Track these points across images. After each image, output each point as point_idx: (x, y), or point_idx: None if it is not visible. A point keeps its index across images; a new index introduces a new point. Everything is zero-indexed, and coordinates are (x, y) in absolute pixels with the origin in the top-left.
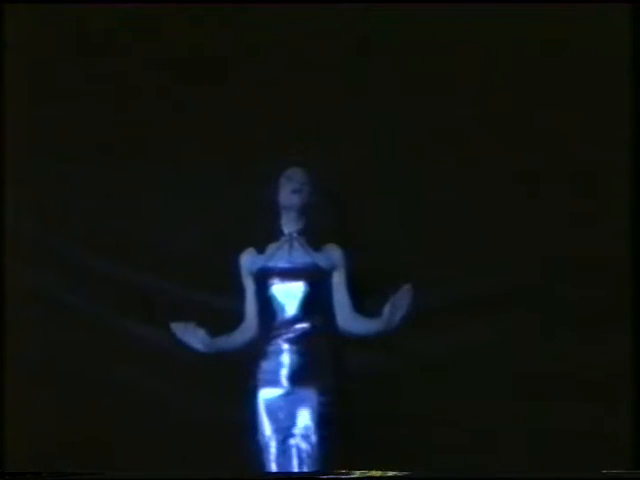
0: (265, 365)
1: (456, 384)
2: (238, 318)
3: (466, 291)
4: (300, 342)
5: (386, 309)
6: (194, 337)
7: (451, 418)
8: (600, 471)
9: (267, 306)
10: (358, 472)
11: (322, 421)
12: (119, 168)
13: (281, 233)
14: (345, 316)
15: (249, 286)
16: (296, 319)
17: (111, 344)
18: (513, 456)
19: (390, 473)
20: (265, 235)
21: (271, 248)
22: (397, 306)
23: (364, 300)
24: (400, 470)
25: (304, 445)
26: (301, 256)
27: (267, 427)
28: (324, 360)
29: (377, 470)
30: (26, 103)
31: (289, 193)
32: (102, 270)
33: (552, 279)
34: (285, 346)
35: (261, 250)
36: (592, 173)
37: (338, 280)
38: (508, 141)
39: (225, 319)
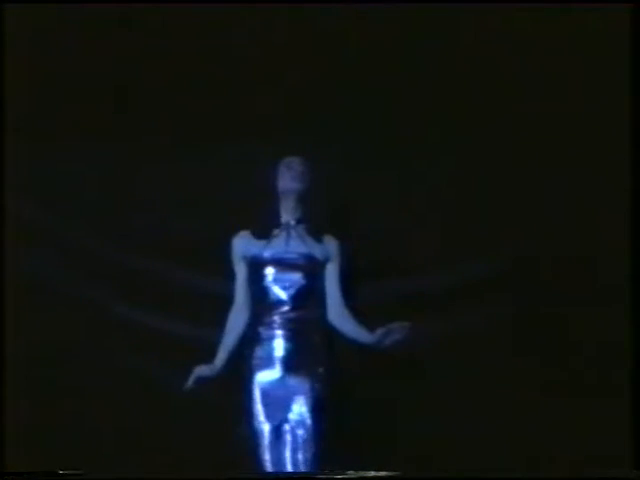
0: (259, 351)
1: (449, 372)
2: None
3: (462, 278)
4: (294, 330)
5: (379, 331)
6: (203, 376)
7: (443, 406)
8: (600, 471)
9: (262, 294)
10: (352, 472)
11: (316, 407)
12: (118, 154)
13: (279, 220)
14: (336, 312)
15: (240, 271)
16: (290, 307)
17: (112, 332)
18: (512, 455)
19: (383, 473)
20: (262, 222)
21: (268, 236)
22: (391, 333)
23: (358, 290)
24: (393, 465)
25: (299, 431)
26: (298, 246)
27: (261, 412)
28: (317, 348)
29: (370, 470)
30: (26, 99)
31: (288, 181)
32: (103, 256)
33: (551, 267)
34: (279, 333)
35: (257, 236)
36: (591, 161)
37: (330, 271)
38: (507, 131)
39: (221, 303)
